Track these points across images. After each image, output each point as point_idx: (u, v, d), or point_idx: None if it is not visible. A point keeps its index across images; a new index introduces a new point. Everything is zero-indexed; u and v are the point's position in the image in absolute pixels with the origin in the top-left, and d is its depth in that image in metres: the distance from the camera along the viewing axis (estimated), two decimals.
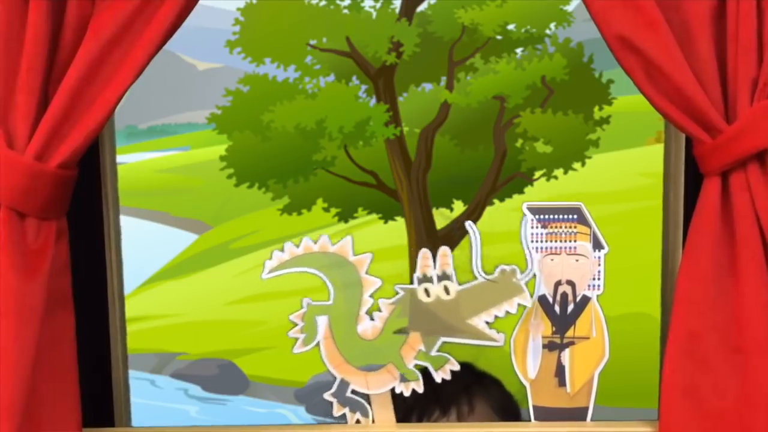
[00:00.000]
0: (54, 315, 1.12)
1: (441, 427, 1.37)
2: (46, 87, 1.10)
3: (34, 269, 1.09)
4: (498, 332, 1.17)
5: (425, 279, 1.17)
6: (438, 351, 1.18)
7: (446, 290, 1.17)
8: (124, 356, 1.50)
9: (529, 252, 1.17)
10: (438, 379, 1.18)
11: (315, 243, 1.18)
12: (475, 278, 1.16)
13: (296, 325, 1.18)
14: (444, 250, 1.16)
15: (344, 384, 1.19)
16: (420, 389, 1.19)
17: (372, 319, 1.18)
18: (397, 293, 1.18)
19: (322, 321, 1.17)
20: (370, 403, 1.20)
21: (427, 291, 1.17)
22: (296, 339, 1.18)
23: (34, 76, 1.08)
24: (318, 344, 1.18)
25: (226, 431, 1.31)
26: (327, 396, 1.19)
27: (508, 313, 1.16)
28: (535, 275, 1.18)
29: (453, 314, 1.17)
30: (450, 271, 1.16)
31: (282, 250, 1.17)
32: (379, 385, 1.19)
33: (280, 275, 1.17)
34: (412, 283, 1.17)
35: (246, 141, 1.65)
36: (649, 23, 1.08)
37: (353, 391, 1.19)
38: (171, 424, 1.26)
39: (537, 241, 1.19)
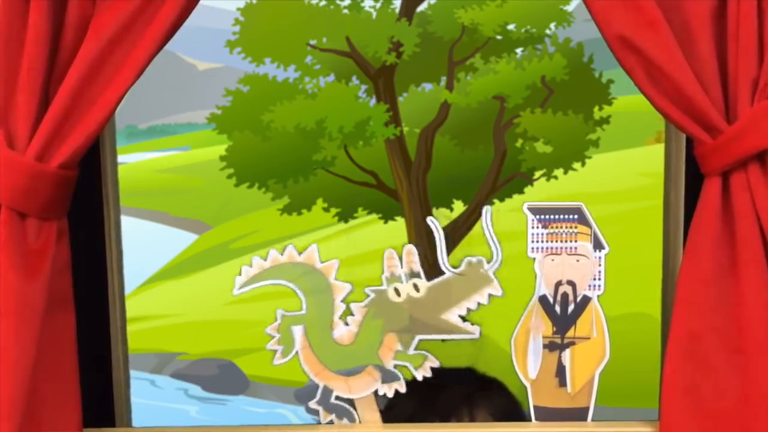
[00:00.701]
0: (55, 315, 1.12)
1: (440, 427, 1.37)
2: (47, 87, 1.10)
3: (34, 269, 1.09)
4: (472, 325, 1.17)
5: (394, 279, 1.17)
6: (416, 349, 1.18)
7: (416, 288, 1.17)
8: (125, 356, 1.50)
9: (493, 241, 1.16)
10: (419, 377, 1.18)
11: (282, 254, 1.18)
12: (443, 273, 1.16)
13: (273, 337, 1.18)
14: (409, 248, 1.16)
15: (327, 391, 1.19)
16: (402, 389, 1.19)
17: (347, 323, 1.18)
18: (368, 296, 1.18)
19: (298, 330, 1.18)
20: (355, 408, 1.20)
21: (397, 290, 1.17)
22: (275, 351, 1.19)
23: (34, 77, 1.08)
24: (297, 354, 1.18)
25: (226, 431, 1.31)
26: (312, 404, 1.20)
27: (480, 304, 1.16)
28: (536, 274, 1.18)
29: (426, 311, 1.17)
30: (417, 268, 1.16)
31: (250, 264, 1.18)
32: (362, 388, 1.19)
33: (253, 288, 1.18)
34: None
35: (246, 141, 1.65)
36: (650, 23, 1.08)
37: (337, 397, 1.20)
38: (171, 424, 1.27)
39: (538, 241, 1.19)
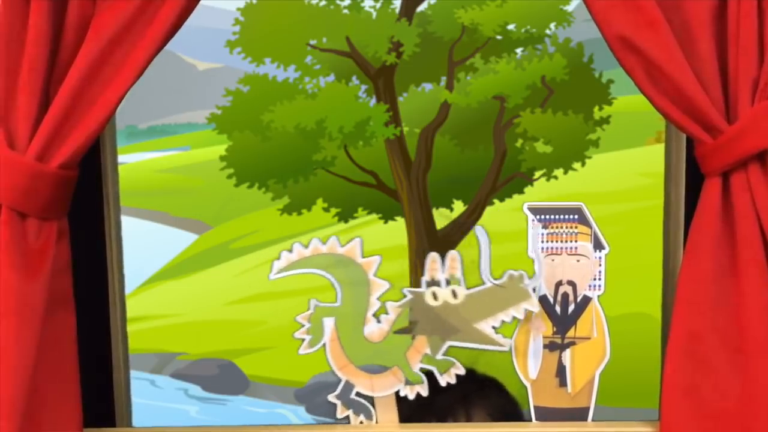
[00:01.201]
0: (55, 315, 1.12)
1: (442, 428, 1.37)
2: (48, 87, 1.10)
3: (35, 269, 1.09)
4: (504, 337, 1.17)
5: (433, 282, 1.17)
6: (445, 355, 1.18)
7: (454, 294, 1.17)
8: (125, 356, 1.50)
9: (538, 258, 1.17)
10: (443, 382, 1.18)
11: (324, 244, 1.18)
12: (483, 283, 1.16)
13: (302, 326, 1.18)
14: (453, 254, 1.16)
15: (349, 386, 1.19)
16: (425, 393, 1.18)
17: (379, 321, 1.18)
18: (404, 296, 1.18)
19: (329, 323, 1.17)
20: (374, 406, 1.20)
21: (435, 295, 1.17)
22: (302, 340, 1.18)
23: (35, 77, 1.08)
24: (324, 346, 1.18)
25: (226, 431, 1.31)
26: (331, 398, 1.19)
27: (515, 318, 1.16)
28: (536, 274, 1.18)
29: (460, 318, 1.17)
30: (458, 275, 1.16)
31: (290, 250, 1.17)
32: (385, 387, 1.19)
33: (288, 276, 1.17)
34: (414, 285, 1.17)
35: (246, 141, 1.64)
36: (650, 23, 1.08)
37: (357, 394, 1.19)
38: (171, 424, 1.27)
39: (537, 242, 1.19)
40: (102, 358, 1.48)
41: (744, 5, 1.08)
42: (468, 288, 1.16)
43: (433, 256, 1.16)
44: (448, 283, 1.16)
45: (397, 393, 1.21)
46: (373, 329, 1.18)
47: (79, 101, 1.09)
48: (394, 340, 1.18)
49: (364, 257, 1.17)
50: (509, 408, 1.51)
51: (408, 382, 1.18)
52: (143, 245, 1.63)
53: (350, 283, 1.17)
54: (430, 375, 1.19)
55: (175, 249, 1.71)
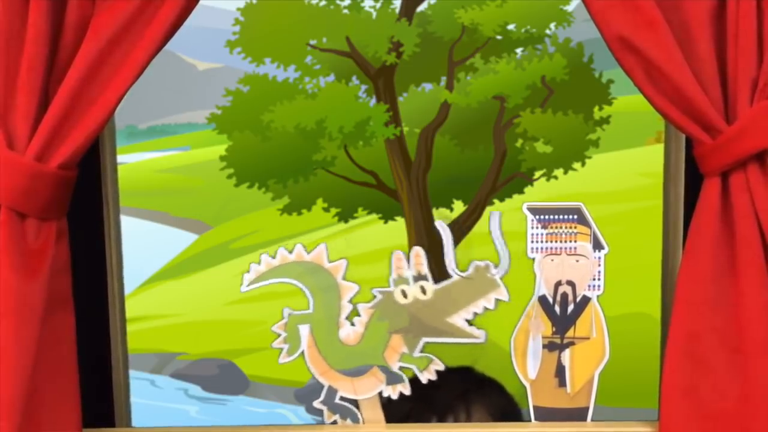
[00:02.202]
0: (54, 315, 1.12)
1: (441, 428, 1.37)
2: (47, 87, 1.10)
3: (34, 269, 1.09)
4: (478, 329, 1.17)
5: (401, 280, 1.17)
6: (422, 351, 1.18)
7: (423, 290, 1.17)
8: (125, 356, 1.50)
9: (501, 246, 1.16)
10: (424, 380, 1.18)
11: (290, 253, 1.18)
12: (450, 276, 1.16)
13: (279, 335, 1.18)
14: (417, 250, 1.16)
15: (332, 390, 1.19)
16: (407, 391, 1.19)
17: (353, 324, 1.18)
18: (374, 297, 1.18)
19: (305, 330, 1.18)
20: (359, 408, 1.20)
21: (404, 292, 1.17)
22: (280, 349, 1.19)
23: (34, 77, 1.08)
24: (302, 353, 1.18)
25: (226, 431, 1.31)
26: (317, 404, 1.20)
27: (486, 309, 1.16)
28: (536, 274, 1.18)
29: (432, 314, 1.17)
30: (425, 271, 1.16)
31: (259, 262, 1.18)
32: (367, 389, 1.19)
33: (259, 287, 1.18)
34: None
35: (246, 141, 1.65)
36: (649, 23, 1.08)
37: (342, 398, 1.20)
38: (171, 424, 1.27)
39: (537, 241, 1.19)
40: (101, 359, 1.48)
41: (743, 5, 1.07)
42: (436, 283, 1.17)
43: (397, 254, 1.16)
44: (415, 280, 1.17)
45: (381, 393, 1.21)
46: (349, 332, 1.18)
47: (78, 101, 1.09)
48: (370, 341, 1.18)
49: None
50: (509, 408, 1.51)
51: (390, 382, 1.18)
52: (143, 245, 1.63)
53: (320, 289, 1.18)
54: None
55: (175, 249, 1.72)
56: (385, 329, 1.18)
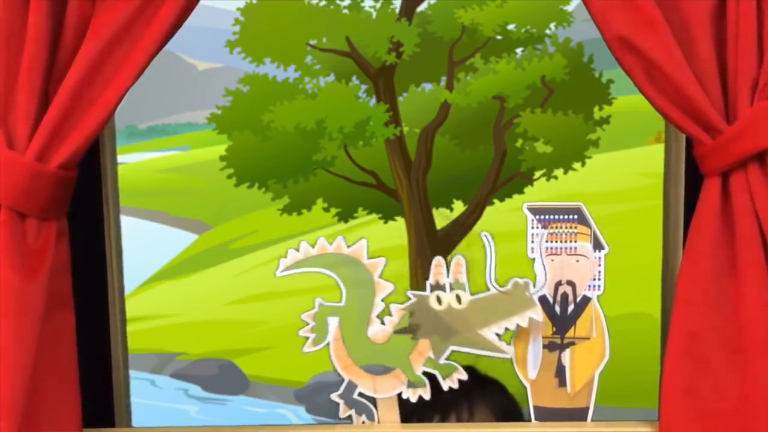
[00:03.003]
0: (54, 315, 1.12)
1: (443, 428, 1.37)
2: (47, 87, 1.10)
3: (34, 269, 1.09)
4: (507, 345, 1.17)
5: (438, 287, 1.17)
6: (448, 359, 1.18)
7: (458, 299, 1.17)
8: (125, 356, 1.50)
9: (544, 266, 1.17)
10: (445, 387, 1.18)
11: (330, 244, 1.18)
12: (488, 289, 1.16)
13: (307, 324, 1.18)
14: (458, 259, 1.16)
15: (351, 386, 1.19)
16: (427, 396, 1.19)
17: (383, 323, 1.18)
18: (409, 299, 1.18)
19: (333, 322, 1.18)
20: (376, 406, 1.20)
21: (439, 299, 1.17)
22: (306, 338, 1.18)
23: (34, 77, 1.08)
24: (328, 345, 1.18)
25: (226, 431, 1.31)
26: (334, 397, 1.20)
27: (518, 326, 1.17)
28: (536, 274, 1.18)
29: (464, 324, 1.17)
30: (463, 279, 1.16)
31: (298, 249, 1.17)
32: (387, 389, 1.19)
33: (293, 274, 1.18)
34: (414, 285, 1.17)
35: (246, 141, 1.65)
36: (649, 23, 1.08)
37: (359, 394, 1.19)
38: (171, 424, 1.27)
39: (540, 245, 1.19)
40: (101, 359, 1.48)
41: (743, 5, 1.08)
42: (472, 293, 1.17)
43: (438, 260, 1.16)
44: (452, 287, 1.17)
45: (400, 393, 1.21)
46: (377, 330, 1.18)
47: (78, 101, 1.09)
48: (397, 342, 1.18)
49: (378, 258, 1.17)
50: (511, 408, 1.51)
51: (410, 385, 1.18)
52: (143, 245, 1.63)
53: (355, 284, 1.17)
54: (433, 376, 1.19)
55: (175, 249, 1.72)
56: (414, 329, 1.18)
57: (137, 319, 1.63)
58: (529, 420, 1.22)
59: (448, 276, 1.17)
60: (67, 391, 1.15)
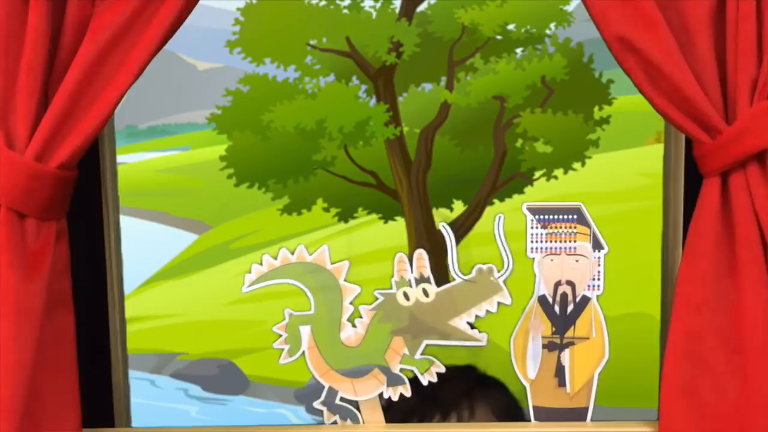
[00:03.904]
0: (54, 315, 1.12)
1: (438, 428, 1.37)
2: (46, 88, 1.10)
3: (34, 270, 1.09)
4: (480, 332, 1.17)
5: (403, 283, 1.17)
6: (423, 354, 1.18)
7: (425, 293, 1.17)
8: (124, 356, 1.50)
9: (505, 250, 1.16)
10: (424, 382, 1.18)
11: (292, 254, 1.18)
12: (453, 279, 1.16)
13: (279, 336, 1.19)
14: (420, 252, 1.16)
15: (332, 391, 1.19)
16: (408, 393, 1.19)
17: (354, 326, 1.18)
18: (376, 299, 1.18)
19: (305, 331, 1.18)
20: (359, 409, 1.20)
21: (406, 295, 1.17)
22: (281, 350, 1.19)
23: (34, 77, 1.08)
24: (303, 354, 1.18)
25: (226, 431, 1.32)
26: (317, 404, 1.20)
27: (488, 312, 1.16)
28: (535, 274, 1.18)
29: (434, 316, 1.17)
30: (427, 273, 1.16)
31: (260, 262, 1.18)
32: (367, 391, 1.19)
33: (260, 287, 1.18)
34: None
35: (246, 141, 1.65)
36: (649, 24, 1.08)
37: (342, 398, 1.20)
38: (171, 424, 1.27)
39: (537, 241, 1.19)
40: (101, 359, 1.48)
41: (743, 6, 1.07)
42: (439, 286, 1.17)
43: (400, 256, 1.16)
44: (418, 282, 1.17)
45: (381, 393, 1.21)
46: (350, 334, 1.18)
47: (77, 101, 1.09)
48: (371, 342, 1.18)
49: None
50: (512, 407, 1.51)
51: (390, 383, 1.18)
52: (143, 245, 1.63)
53: (322, 290, 1.17)
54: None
55: (175, 249, 1.72)
56: (387, 331, 1.18)
57: (137, 319, 1.63)
58: (529, 420, 1.22)
59: (412, 271, 1.17)
60: (67, 391, 1.15)
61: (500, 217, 1.16)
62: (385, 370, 1.19)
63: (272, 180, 1.67)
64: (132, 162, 1.65)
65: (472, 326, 1.17)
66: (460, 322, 1.17)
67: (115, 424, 1.48)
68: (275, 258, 1.18)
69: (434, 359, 1.18)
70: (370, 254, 1.53)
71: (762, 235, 1.09)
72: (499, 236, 1.15)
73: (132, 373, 1.55)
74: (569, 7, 1.62)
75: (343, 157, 1.67)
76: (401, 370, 1.18)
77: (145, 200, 1.68)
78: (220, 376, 1.72)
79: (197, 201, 1.70)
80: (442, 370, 1.18)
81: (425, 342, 1.18)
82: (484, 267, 1.16)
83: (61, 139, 1.09)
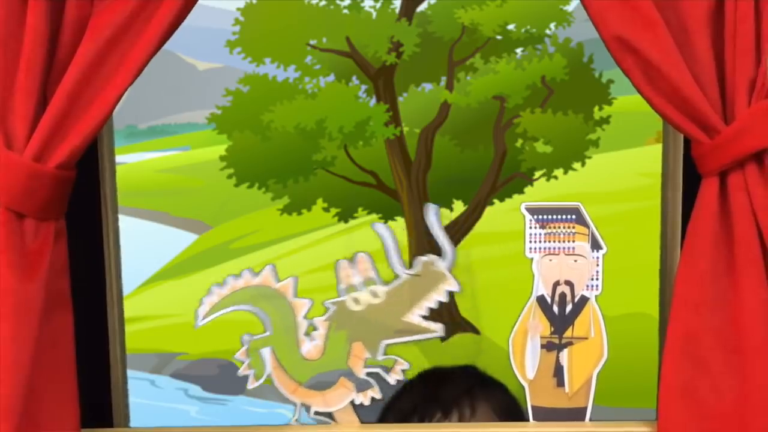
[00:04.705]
0: (53, 315, 1.12)
1: (437, 428, 1.37)
2: (45, 87, 1.10)
3: (32, 270, 1.09)
4: (435, 323, 1.17)
5: (351, 289, 1.17)
6: (385, 354, 1.18)
7: (374, 294, 1.17)
8: (123, 357, 1.50)
9: (441, 238, 1.16)
10: (392, 381, 1.18)
11: (238, 278, 1.18)
12: (398, 276, 1.16)
13: (242, 363, 1.19)
14: (361, 256, 1.17)
15: (306, 407, 1.20)
16: (378, 395, 1.19)
17: (312, 339, 1.19)
18: (327, 309, 1.18)
19: (267, 352, 1.19)
20: (334, 419, 1.21)
21: (355, 299, 1.17)
22: (247, 375, 1.19)
23: (32, 77, 1.08)
24: (269, 376, 1.19)
25: (226, 431, 1.32)
26: (293, 423, 1.21)
27: (439, 302, 1.17)
28: (534, 274, 1.18)
29: (388, 315, 1.17)
30: (372, 274, 1.17)
31: (209, 293, 1.19)
32: (338, 400, 1.20)
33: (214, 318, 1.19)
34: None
35: (246, 141, 1.65)
36: (647, 24, 1.08)
37: (316, 413, 1.20)
38: (171, 424, 1.27)
39: (535, 241, 1.19)
40: (100, 359, 1.48)
41: (741, 6, 1.07)
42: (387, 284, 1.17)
43: (341, 263, 1.17)
44: (365, 285, 1.17)
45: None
46: (309, 348, 1.18)
47: (76, 101, 1.09)
48: (332, 353, 1.18)
49: (286, 279, 1.18)
50: (513, 407, 1.51)
51: (359, 389, 1.19)
52: (143, 245, 1.63)
53: (274, 310, 1.18)
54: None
55: (175, 249, 1.72)
56: (345, 338, 1.18)
57: (137, 319, 1.63)
58: (528, 420, 1.22)
59: (357, 275, 1.17)
60: (66, 391, 1.15)
61: (431, 206, 1.16)
62: (352, 377, 1.19)
63: (272, 180, 1.67)
64: (132, 162, 1.65)
65: (426, 319, 1.17)
66: (414, 317, 1.17)
67: (114, 424, 1.48)
68: (221, 286, 1.19)
69: (397, 357, 1.18)
70: (371, 254, 1.53)
71: (760, 235, 1.09)
72: (433, 226, 1.15)
73: (132, 373, 1.55)
74: (569, 7, 1.62)
75: (343, 157, 1.67)
76: (369, 373, 1.19)
77: (145, 200, 1.68)
78: (220, 376, 1.72)
79: (197, 201, 1.70)
80: (407, 366, 1.18)
81: (384, 342, 1.18)
82: (425, 258, 1.16)
83: (60, 139, 1.09)
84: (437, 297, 1.16)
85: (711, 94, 1.09)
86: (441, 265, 1.15)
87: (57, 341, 1.13)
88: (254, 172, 1.67)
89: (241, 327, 1.21)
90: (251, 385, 1.20)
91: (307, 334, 1.18)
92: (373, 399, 1.19)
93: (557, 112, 1.64)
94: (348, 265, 1.16)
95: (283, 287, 1.17)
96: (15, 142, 1.09)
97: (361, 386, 1.19)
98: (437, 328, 1.17)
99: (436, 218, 1.15)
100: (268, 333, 1.19)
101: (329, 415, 1.20)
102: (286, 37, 1.64)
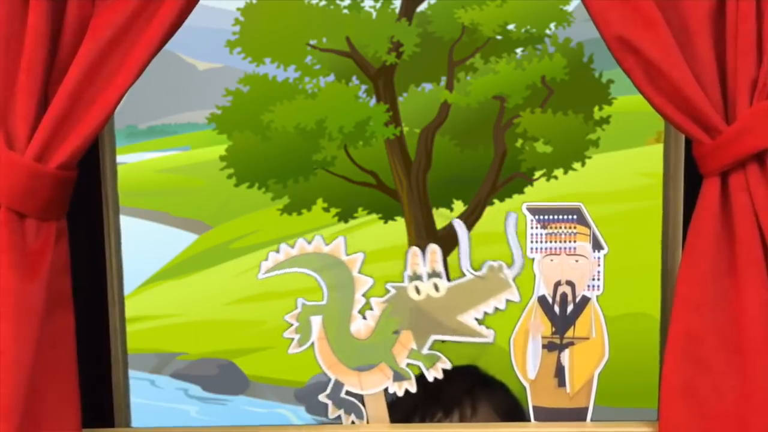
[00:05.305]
0: (54, 315, 1.12)
1: (439, 428, 1.37)
2: (46, 88, 1.10)
3: (33, 270, 1.09)
4: (487, 328, 1.17)
5: (416, 277, 1.17)
6: (430, 349, 1.18)
7: (436, 288, 1.17)
8: (124, 357, 1.50)
9: (516, 247, 1.17)
10: (430, 378, 1.18)
11: (309, 243, 1.18)
12: (464, 275, 1.17)
13: (291, 325, 1.19)
14: (433, 247, 1.17)
15: (338, 385, 1.19)
16: (413, 389, 1.19)
17: (365, 318, 1.19)
18: (388, 291, 1.18)
19: (316, 321, 1.18)
20: (363, 404, 1.20)
21: (417, 289, 1.17)
22: (291, 339, 1.19)
23: (33, 77, 1.08)
24: (312, 344, 1.18)
25: (226, 431, 1.32)
26: (322, 397, 1.20)
27: (497, 309, 1.17)
28: (535, 275, 1.18)
29: (443, 311, 1.17)
30: (439, 268, 1.17)
31: (278, 251, 1.18)
32: (373, 384, 1.19)
33: (277, 275, 1.18)
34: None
35: (246, 141, 1.65)
36: (649, 23, 1.08)
37: (347, 392, 1.20)
38: (171, 424, 1.27)
39: (537, 242, 1.19)
40: (101, 359, 1.48)
41: (742, 5, 1.07)
42: (450, 281, 1.17)
43: (414, 250, 1.17)
44: (430, 276, 1.17)
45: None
46: (360, 326, 1.18)
47: (77, 102, 1.09)
48: (380, 336, 1.18)
49: (349, 255, 1.18)
50: (514, 407, 1.51)
51: (396, 378, 1.19)
52: (143, 245, 1.63)
53: (335, 281, 1.18)
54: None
55: (175, 249, 1.72)
56: (396, 325, 1.18)
57: (137, 319, 1.63)
58: (529, 420, 1.22)
59: (425, 265, 1.17)
60: (67, 391, 1.15)
61: (512, 214, 1.16)
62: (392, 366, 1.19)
63: (272, 180, 1.67)
64: (132, 162, 1.65)
65: (479, 322, 1.17)
66: (469, 319, 1.17)
67: (115, 424, 1.48)
68: (292, 247, 1.18)
69: (441, 355, 1.18)
70: (370, 254, 1.52)
71: (762, 236, 1.09)
72: (510, 234, 1.16)
73: (132, 373, 1.55)
74: (569, 7, 1.62)
75: (343, 157, 1.67)
76: (408, 365, 1.19)
77: (145, 200, 1.68)
78: (220, 376, 1.72)
79: (197, 201, 1.70)
80: (448, 366, 1.18)
81: (433, 337, 1.18)
82: (495, 264, 1.17)
83: (61, 139, 1.09)
84: (495, 303, 1.17)
85: (712, 94, 1.09)
86: (508, 273, 1.16)
87: (58, 341, 1.13)
88: (254, 172, 1.67)
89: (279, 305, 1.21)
90: (293, 350, 1.19)
91: (361, 312, 1.18)
92: (404, 393, 1.19)
93: (557, 112, 1.64)
94: (419, 253, 1.17)
95: (351, 261, 1.17)
96: (16, 143, 1.09)
97: (399, 376, 1.19)
98: (488, 334, 1.17)
99: (513, 227, 1.15)
100: (323, 302, 1.18)
101: (360, 399, 1.20)
102: (286, 37, 1.63)
